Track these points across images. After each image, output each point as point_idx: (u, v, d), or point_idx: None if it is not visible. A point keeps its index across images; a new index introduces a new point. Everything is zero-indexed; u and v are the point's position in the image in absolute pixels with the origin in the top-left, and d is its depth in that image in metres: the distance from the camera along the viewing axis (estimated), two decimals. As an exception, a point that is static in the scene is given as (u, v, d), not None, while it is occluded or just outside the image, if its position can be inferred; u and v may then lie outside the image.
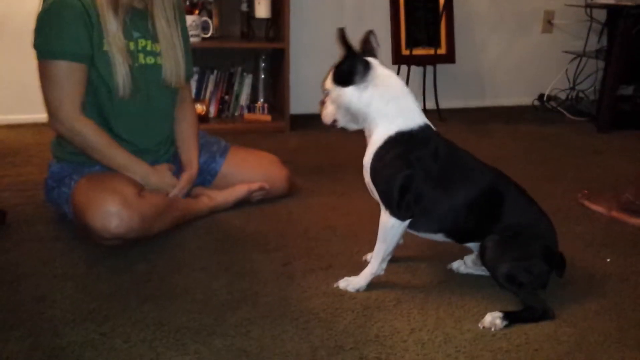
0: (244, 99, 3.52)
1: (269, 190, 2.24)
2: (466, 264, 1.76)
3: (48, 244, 1.88)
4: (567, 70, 4.10)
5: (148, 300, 1.56)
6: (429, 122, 1.61)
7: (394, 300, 1.60)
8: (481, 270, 1.69)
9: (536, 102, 4.16)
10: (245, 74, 3.50)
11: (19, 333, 1.41)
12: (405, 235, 1.67)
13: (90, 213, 1.76)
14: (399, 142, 1.55)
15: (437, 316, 1.53)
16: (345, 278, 1.66)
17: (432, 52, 3.69)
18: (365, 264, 1.70)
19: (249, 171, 2.23)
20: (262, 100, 3.56)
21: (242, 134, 3.14)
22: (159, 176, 1.95)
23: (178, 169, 2.09)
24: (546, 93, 4.12)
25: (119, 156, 1.89)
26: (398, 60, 3.68)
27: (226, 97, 3.49)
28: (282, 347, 1.39)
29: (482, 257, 1.57)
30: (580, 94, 4.10)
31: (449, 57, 3.76)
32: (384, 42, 3.71)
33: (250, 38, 3.40)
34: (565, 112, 3.92)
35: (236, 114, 3.51)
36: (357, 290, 1.63)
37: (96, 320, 1.47)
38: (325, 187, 2.46)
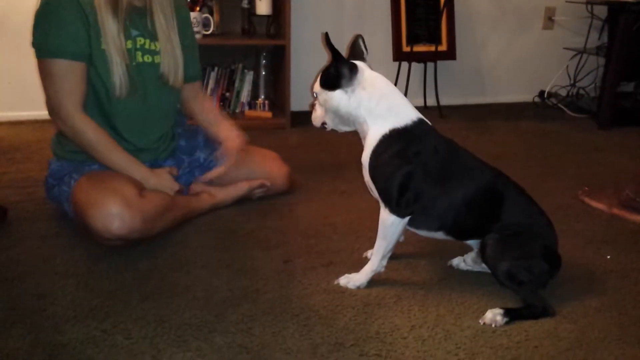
0: (244, 96, 3.52)
1: (269, 187, 2.24)
2: (466, 261, 1.76)
3: (49, 241, 1.88)
4: (567, 67, 4.10)
5: (149, 298, 1.56)
6: (422, 117, 1.60)
7: (394, 297, 1.60)
8: (481, 267, 1.69)
9: (537, 99, 4.15)
10: (246, 70, 3.50)
11: (20, 330, 1.41)
12: (405, 232, 1.68)
13: (91, 213, 1.75)
14: (394, 139, 1.55)
15: (438, 313, 1.53)
16: (346, 275, 1.67)
17: (432, 48, 3.69)
18: (365, 261, 1.70)
19: (250, 168, 2.22)
20: (262, 97, 3.55)
21: (242, 131, 3.12)
22: (157, 179, 1.93)
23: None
24: (547, 90, 4.11)
25: (118, 158, 1.88)
26: (399, 56, 3.68)
27: (227, 93, 3.49)
28: (283, 343, 1.39)
29: (483, 255, 1.58)
30: (581, 91, 4.10)
31: (450, 54, 3.77)
32: (384, 38, 3.73)
33: (251, 35, 3.40)
34: (565, 109, 3.92)
35: (237, 110, 3.51)
36: (358, 287, 1.63)
37: (97, 317, 1.47)
38: (326, 184, 2.46)
